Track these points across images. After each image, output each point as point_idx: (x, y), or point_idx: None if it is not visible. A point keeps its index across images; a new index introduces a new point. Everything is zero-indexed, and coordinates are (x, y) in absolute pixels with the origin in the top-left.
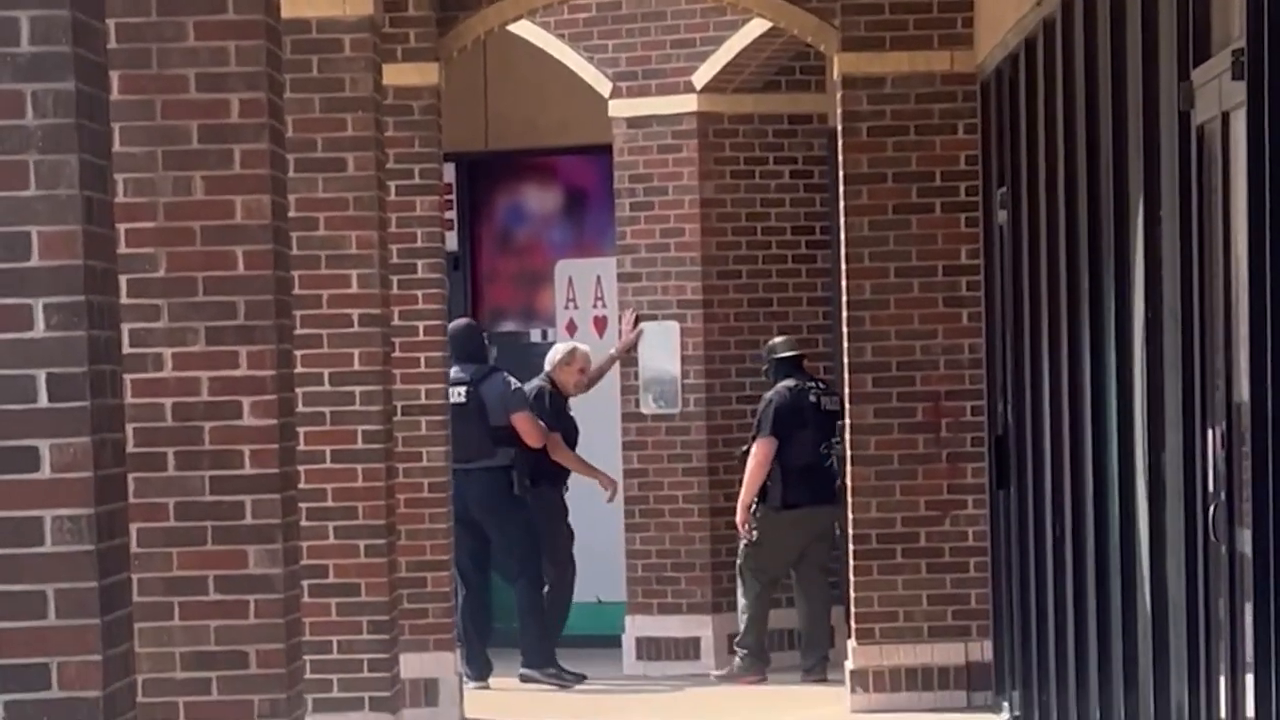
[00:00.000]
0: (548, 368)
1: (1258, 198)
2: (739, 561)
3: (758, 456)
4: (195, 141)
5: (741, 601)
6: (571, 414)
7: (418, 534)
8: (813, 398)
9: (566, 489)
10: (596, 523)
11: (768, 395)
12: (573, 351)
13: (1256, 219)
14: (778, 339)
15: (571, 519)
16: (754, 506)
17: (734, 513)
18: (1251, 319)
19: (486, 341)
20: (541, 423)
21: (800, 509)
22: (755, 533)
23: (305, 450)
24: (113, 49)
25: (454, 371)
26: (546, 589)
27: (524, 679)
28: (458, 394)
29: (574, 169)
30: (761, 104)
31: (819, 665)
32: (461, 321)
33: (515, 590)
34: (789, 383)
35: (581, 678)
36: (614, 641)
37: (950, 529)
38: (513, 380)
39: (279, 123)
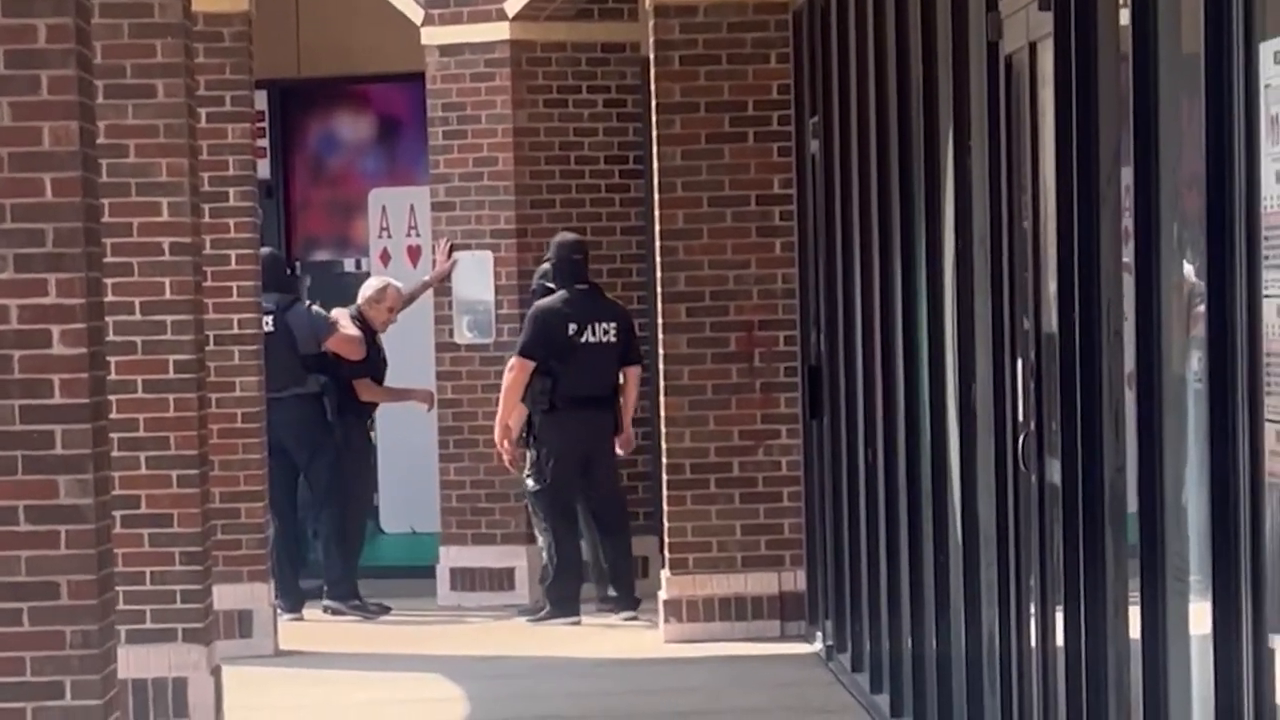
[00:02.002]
0: (359, 301)
1: (1064, 127)
2: (526, 502)
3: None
4: (1, 67)
5: (540, 540)
6: (380, 347)
7: (231, 464)
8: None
9: (372, 423)
10: (410, 453)
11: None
12: (384, 289)
13: (1063, 149)
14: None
15: (385, 449)
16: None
17: None
18: (1059, 249)
19: (291, 271)
20: (357, 332)
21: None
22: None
23: (116, 380)
24: None
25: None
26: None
27: (328, 610)
28: (265, 323)
29: (387, 97)
30: (574, 32)
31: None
32: (265, 251)
33: (320, 520)
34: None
35: (386, 609)
36: (428, 572)
37: (764, 459)
38: (316, 308)
39: (87, 48)
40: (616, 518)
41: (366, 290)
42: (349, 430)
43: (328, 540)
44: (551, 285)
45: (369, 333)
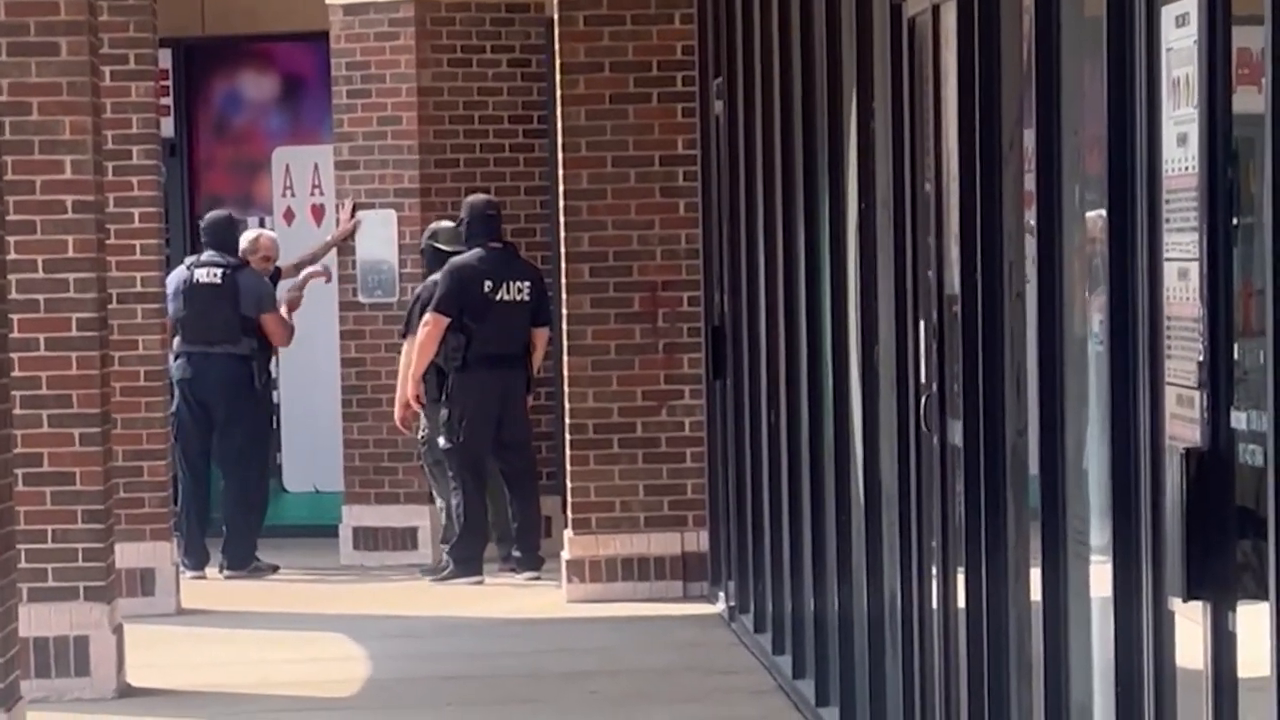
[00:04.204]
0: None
1: (967, 90)
2: (421, 462)
3: (408, 355)
4: None
5: (439, 501)
6: None
7: (134, 423)
8: None
9: (271, 381)
10: (313, 412)
11: (416, 290)
12: (256, 239)
13: (966, 111)
14: (444, 225)
15: (288, 408)
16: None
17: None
18: (962, 211)
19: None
20: (291, 322)
21: (437, 403)
22: (423, 430)
23: (18, 338)
24: None
25: (207, 255)
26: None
27: (226, 577)
28: (212, 275)
29: (291, 56)
30: None
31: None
32: (223, 212)
33: (229, 483)
34: (438, 277)
35: (275, 568)
36: (331, 531)
37: (667, 419)
38: (265, 279)
39: None
40: (526, 477)
41: (242, 242)
42: (268, 397)
43: (232, 505)
44: (440, 245)
45: None
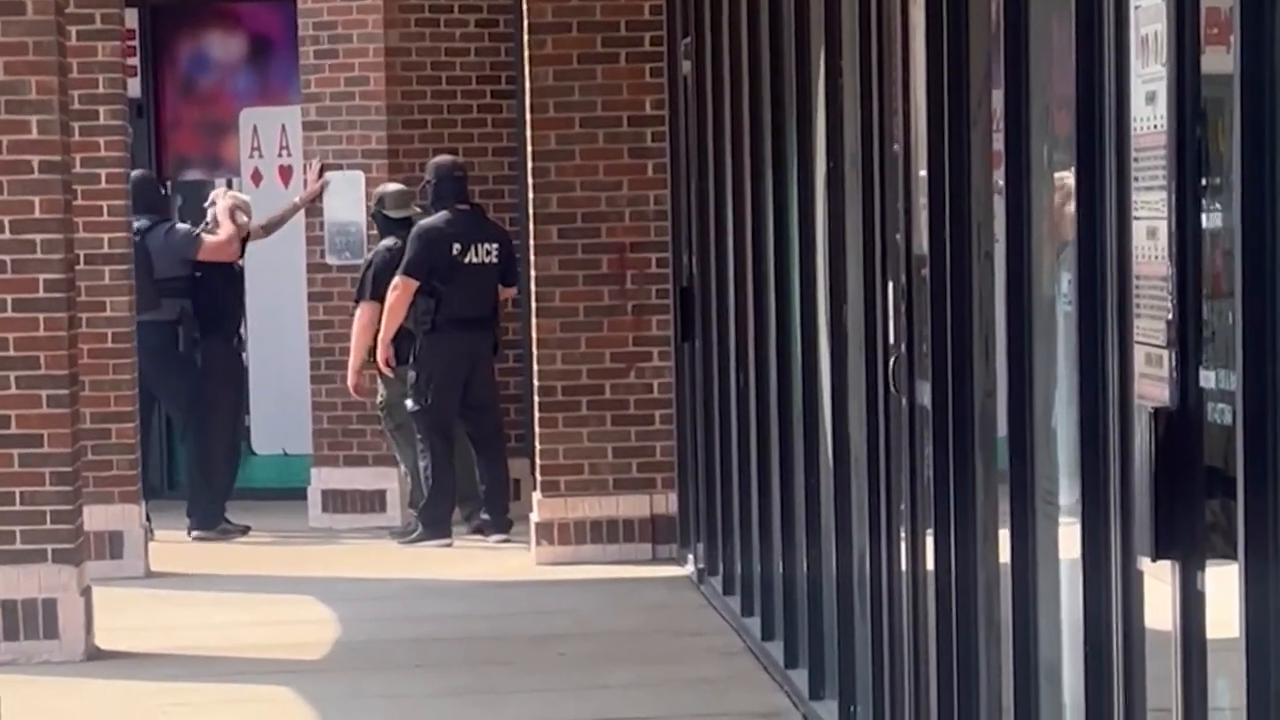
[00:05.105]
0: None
1: (935, 49)
2: (382, 426)
3: (361, 321)
4: None
5: (402, 465)
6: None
7: (102, 385)
8: None
9: (241, 343)
10: (281, 375)
11: (367, 256)
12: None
13: (934, 70)
14: (390, 190)
15: (256, 371)
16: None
17: None
18: (930, 171)
19: (164, 193)
20: (228, 229)
21: (405, 366)
22: (381, 394)
23: None
24: None
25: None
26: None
27: (195, 538)
28: None
29: (258, 16)
30: None
31: (482, 520)
32: (137, 173)
33: (186, 446)
34: (389, 242)
35: (246, 529)
36: (299, 494)
37: (636, 381)
38: (175, 224)
39: None
40: (494, 439)
41: (210, 215)
42: (212, 357)
43: (191, 469)
44: (388, 211)
45: None
